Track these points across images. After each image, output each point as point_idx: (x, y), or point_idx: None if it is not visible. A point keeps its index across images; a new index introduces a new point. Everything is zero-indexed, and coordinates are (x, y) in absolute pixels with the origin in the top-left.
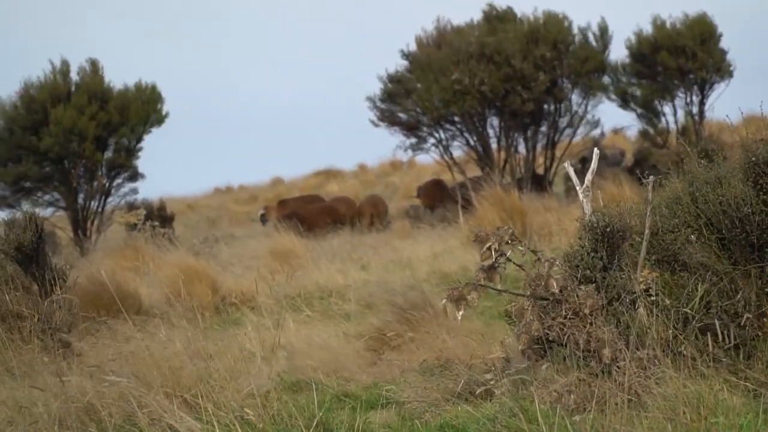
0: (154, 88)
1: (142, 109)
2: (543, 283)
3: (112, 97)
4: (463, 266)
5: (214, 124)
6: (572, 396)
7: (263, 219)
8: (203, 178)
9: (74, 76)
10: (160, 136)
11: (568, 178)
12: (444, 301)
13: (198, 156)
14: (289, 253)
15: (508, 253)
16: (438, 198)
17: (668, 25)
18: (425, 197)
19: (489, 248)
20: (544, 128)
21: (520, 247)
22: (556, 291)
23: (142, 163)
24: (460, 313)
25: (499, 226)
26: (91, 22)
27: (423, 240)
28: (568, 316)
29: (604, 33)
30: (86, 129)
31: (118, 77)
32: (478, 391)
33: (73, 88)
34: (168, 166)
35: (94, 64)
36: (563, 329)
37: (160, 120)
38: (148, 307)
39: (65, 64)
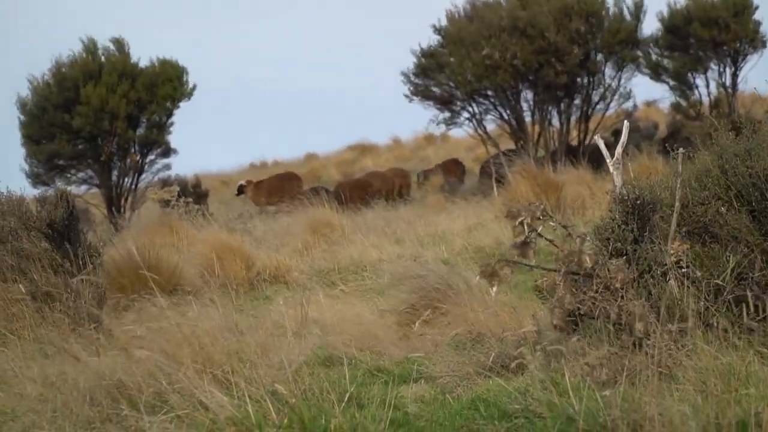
0: (176, 62)
1: (169, 84)
2: (576, 259)
3: (140, 75)
4: (497, 240)
5: (250, 100)
6: (603, 369)
7: (240, 189)
8: (238, 154)
9: (100, 54)
10: (195, 113)
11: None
12: (477, 277)
13: (233, 132)
14: (323, 228)
15: (540, 229)
16: (457, 175)
17: None
18: (446, 173)
19: (521, 224)
20: (577, 101)
21: (551, 223)
22: (589, 267)
23: (176, 139)
24: (494, 289)
25: (531, 202)
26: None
27: (457, 214)
28: (600, 290)
29: (637, 6)
30: (117, 107)
31: (147, 54)
32: (510, 365)
33: (103, 67)
34: (203, 143)
35: (119, 42)
36: (595, 303)
37: (187, 94)
38: (182, 283)
39: (92, 43)
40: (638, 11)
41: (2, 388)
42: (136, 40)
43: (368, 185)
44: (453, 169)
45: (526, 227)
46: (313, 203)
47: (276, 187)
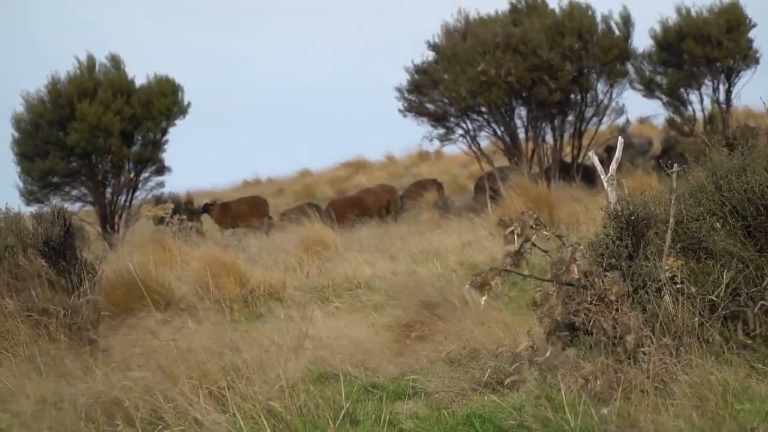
0: (172, 80)
1: (165, 102)
2: (565, 268)
3: (135, 91)
4: (491, 256)
5: (242, 117)
6: (598, 381)
7: (205, 208)
8: (231, 171)
9: (97, 71)
10: (188, 130)
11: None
12: (467, 286)
13: (226, 149)
14: (317, 245)
15: (533, 238)
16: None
17: (693, 13)
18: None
19: (512, 232)
20: (570, 117)
21: (545, 232)
22: (577, 276)
23: (169, 156)
24: (484, 298)
25: (524, 211)
26: (110, 15)
27: (451, 231)
28: (594, 302)
29: (626, 21)
30: (112, 124)
31: (140, 71)
32: (505, 381)
33: (98, 84)
34: (196, 160)
35: (115, 59)
36: (588, 315)
37: (182, 111)
38: (177, 300)
39: (91, 59)
40: (627, 26)
41: None
42: (130, 58)
43: (360, 202)
44: (427, 187)
45: (516, 237)
46: (305, 220)
47: (243, 211)
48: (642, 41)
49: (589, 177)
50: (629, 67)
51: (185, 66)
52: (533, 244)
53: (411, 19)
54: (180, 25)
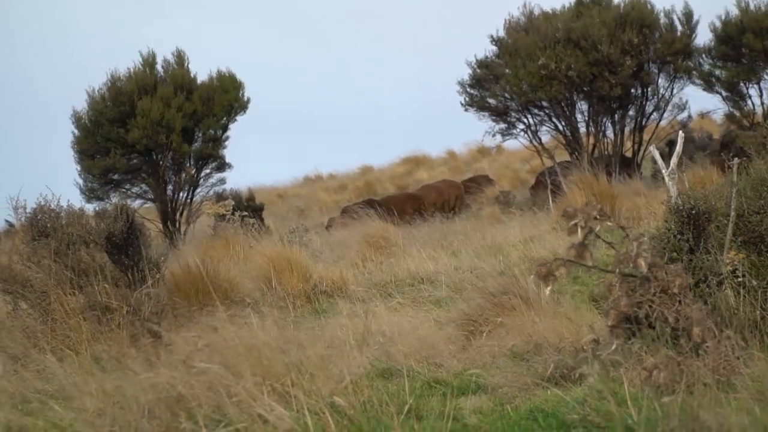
0: (233, 76)
1: (225, 98)
2: (632, 261)
3: (197, 88)
4: (553, 251)
5: (304, 113)
6: (662, 374)
7: None
8: (293, 166)
9: (159, 68)
10: (249, 127)
11: (655, 162)
12: (532, 276)
13: (288, 145)
14: (379, 241)
15: (596, 229)
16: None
17: (752, 7)
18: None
19: (576, 224)
20: (631, 112)
21: (608, 223)
22: (645, 270)
23: (230, 153)
24: (549, 288)
25: (587, 202)
26: (173, 13)
27: (513, 226)
28: (657, 294)
29: (689, 17)
30: (173, 121)
31: (202, 67)
32: (568, 375)
33: (159, 80)
34: (257, 156)
35: (180, 55)
36: (652, 306)
37: (242, 107)
38: (240, 296)
39: (152, 56)
40: (690, 22)
41: (60, 402)
42: (196, 57)
43: (417, 198)
44: (481, 183)
45: (581, 229)
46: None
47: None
48: (702, 36)
49: (629, 167)
50: (690, 63)
51: (249, 64)
52: (597, 236)
53: (475, 14)
54: (245, 25)
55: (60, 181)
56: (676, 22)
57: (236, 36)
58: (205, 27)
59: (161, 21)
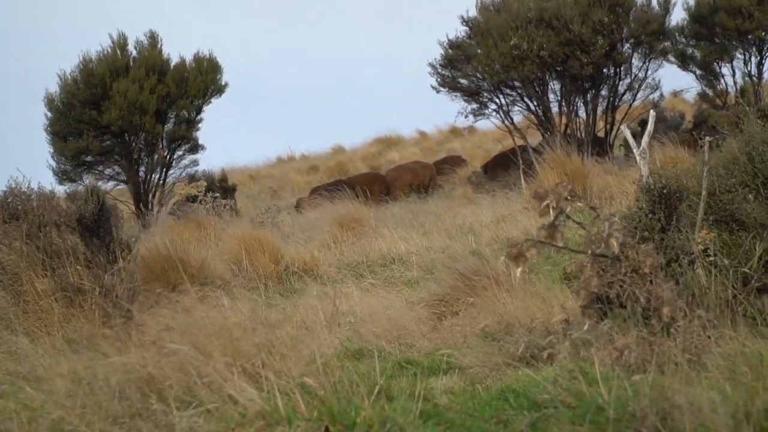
0: (211, 59)
1: (201, 80)
2: (603, 243)
3: (170, 70)
4: (525, 231)
5: (276, 94)
6: (632, 354)
7: None
8: (266, 147)
9: (132, 49)
10: (222, 108)
11: (627, 141)
12: (503, 257)
13: (260, 127)
14: (351, 221)
15: (567, 210)
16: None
17: None
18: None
19: (547, 205)
20: (604, 92)
21: (579, 204)
22: (616, 250)
23: (203, 134)
24: (519, 269)
25: (558, 183)
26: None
27: (485, 206)
28: (628, 274)
29: None
30: (147, 102)
31: (174, 49)
32: (539, 355)
33: (131, 62)
34: (230, 138)
35: (153, 37)
36: (623, 286)
37: (219, 90)
38: (212, 277)
39: (123, 38)
40: (666, 2)
41: (31, 384)
42: (168, 36)
43: (390, 179)
44: (454, 164)
45: (552, 209)
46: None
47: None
48: (677, 14)
49: (601, 147)
50: (666, 43)
51: (218, 41)
52: (568, 216)
53: None
54: (217, 7)
55: (33, 164)
56: (654, 2)
57: (207, 16)
58: (175, 6)
59: (137, 3)
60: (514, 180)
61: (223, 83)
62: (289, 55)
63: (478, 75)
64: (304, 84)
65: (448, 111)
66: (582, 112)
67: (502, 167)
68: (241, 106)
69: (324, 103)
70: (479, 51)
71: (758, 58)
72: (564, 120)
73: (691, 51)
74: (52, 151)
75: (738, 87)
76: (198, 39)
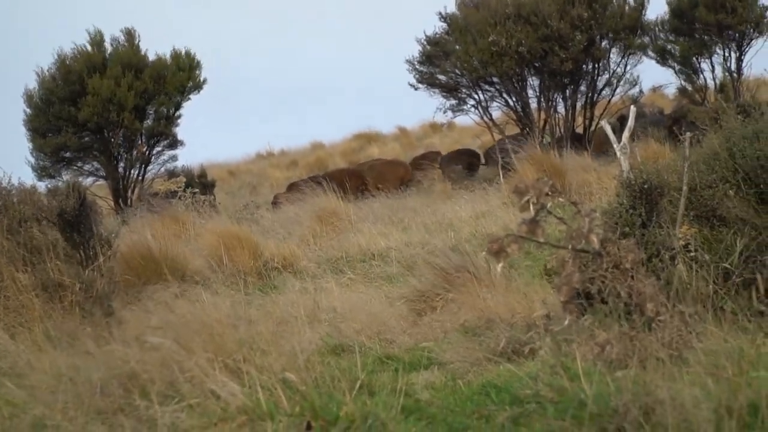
0: (189, 54)
1: (179, 76)
2: (584, 239)
3: (147, 67)
4: (505, 226)
5: (256, 90)
6: (614, 349)
7: None
8: (245, 143)
9: (108, 46)
10: (202, 104)
11: (607, 137)
12: (484, 253)
13: (240, 122)
14: (330, 217)
15: (548, 205)
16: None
17: None
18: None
19: (528, 201)
20: (582, 87)
21: (560, 199)
22: (597, 246)
23: (183, 130)
24: (500, 265)
25: (539, 178)
26: None
27: (464, 202)
28: (609, 270)
29: None
30: (125, 99)
31: (153, 46)
32: (521, 350)
33: (108, 58)
34: (209, 133)
35: (129, 33)
36: (604, 282)
37: (197, 86)
38: (191, 273)
39: (99, 34)
40: None
41: (13, 380)
42: (146, 33)
43: (364, 175)
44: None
45: (532, 205)
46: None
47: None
48: (658, 8)
49: (601, 145)
50: (645, 38)
51: (197, 38)
52: (549, 212)
53: None
54: (198, 3)
55: (11, 160)
56: None
57: (185, 13)
58: (157, 4)
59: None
60: (492, 175)
61: (201, 79)
62: (268, 53)
63: (457, 71)
64: (284, 82)
65: (428, 107)
66: (561, 108)
67: (455, 163)
68: (220, 102)
69: (303, 99)
70: (457, 47)
71: (738, 53)
72: (543, 116)
73: (670, 46)
74: (31, 147)
75: (717, 82)
76: (177, 34)
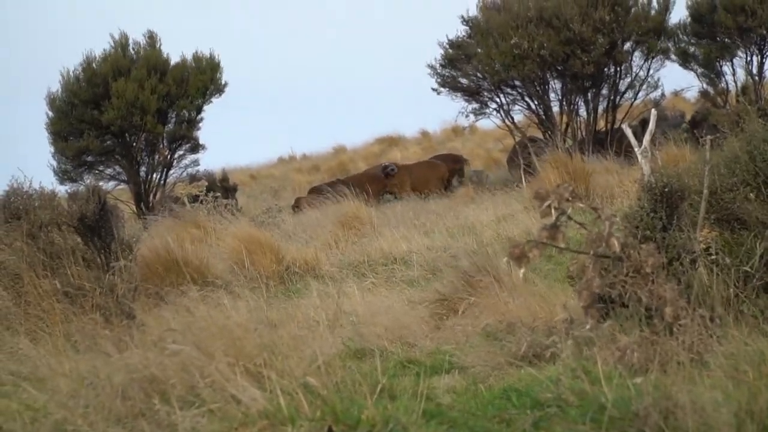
0: (211, 57)
1: (201, 80)
2: (605, 243)
3: (170, 70)
4: (526, 230)
5: (279, 94)
6: (635, 354)
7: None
8: (267, 147)
9: (130, 50)
10: (224, 108)
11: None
12: (505, 258)
13: (262, 126)
14: (352, 221)
15: (569, 211)
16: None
17: None
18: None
19: (549, 206)
20: (604, 91)
21: (580, 204)
22: (618, 250)
23: (204, 134)
24: (522, 270)
25: (559, 184)
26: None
27: (486, 205)
28: (630, 274)
29: None
30: (148, 102)
31: (176, 49)
32: (542, 354)
33: (133, 62)
34: (231, 136)
35: (152, 36)
36: (625, 286)
37: (219, 90)
38: (212, 278)
39: (124, 37)
40: (666, 1)
41: (34, 384)
42: (167, 36)
43: (384, 180)
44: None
45: (553, 210)
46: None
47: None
48: (680, 12)
49: (623, 149)
50: (668, 43)
51: (220, 42)
52: (569, 217)
53: None
54: (218, 7)
55: (34, 163)
56: (654, 1)
57: (209, 17)
58: (178, 7)
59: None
60: (514, 179)
61: (222, 82)
62: (291, 56)
63: (479, 74)
64: (307, 85)
65: (450, 110)
66: (583, 111)
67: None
68: (243, 106)
69: (327, 104)
70: (479, 50)
71: (759, 57)
72: (565, 119)
73: (692, 49)
74: (53, 150)
75: (739, 85)
76: (198, 39)
